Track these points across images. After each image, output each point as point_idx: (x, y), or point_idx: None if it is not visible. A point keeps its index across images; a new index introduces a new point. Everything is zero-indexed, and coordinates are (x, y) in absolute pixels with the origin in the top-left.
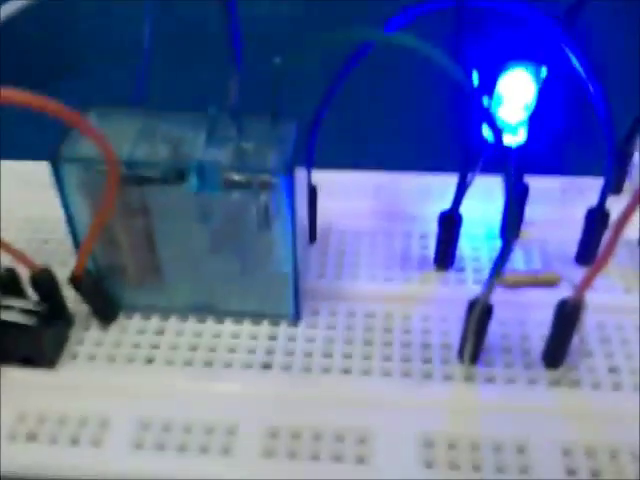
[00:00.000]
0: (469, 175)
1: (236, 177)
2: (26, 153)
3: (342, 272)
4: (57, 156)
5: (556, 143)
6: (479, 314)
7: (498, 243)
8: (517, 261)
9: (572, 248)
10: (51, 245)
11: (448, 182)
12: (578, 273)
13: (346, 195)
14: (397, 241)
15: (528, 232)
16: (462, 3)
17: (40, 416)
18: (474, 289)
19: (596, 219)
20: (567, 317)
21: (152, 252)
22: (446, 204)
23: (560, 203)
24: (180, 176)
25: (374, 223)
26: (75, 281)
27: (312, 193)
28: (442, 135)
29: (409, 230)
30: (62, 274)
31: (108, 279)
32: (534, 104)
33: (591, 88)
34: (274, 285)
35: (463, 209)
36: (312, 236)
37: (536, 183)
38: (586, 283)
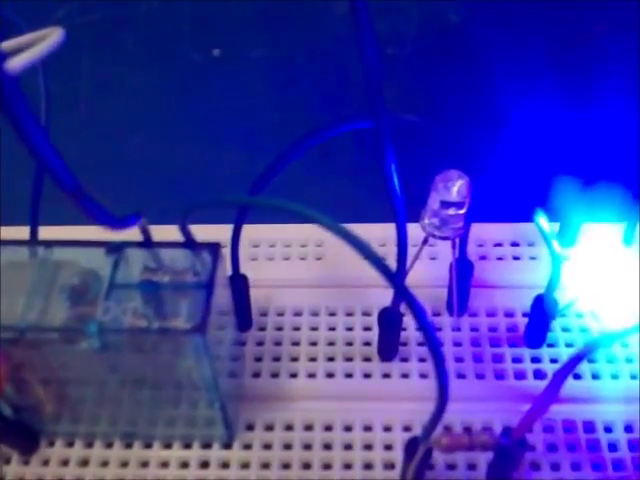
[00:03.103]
0: None
1: (142, 338)
2: None
3: (280, 368)
4: None
5: None
6: (419, 459)
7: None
8: (464, 343)
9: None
10: None
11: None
12: (527, 354)
13: (286, 255)
14: (339, 320)
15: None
16: None
17: None
18: (419, 384)
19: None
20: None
21: (66, 394)
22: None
23: None
24: (81, 336)
25: (315, 295)
26: None
27: (244, 281)
28: None
29: (352, 304)
30: None
31: (24, 414)
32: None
33: None
34: (202, 413)
35: None
36: (247, 323)
37: None
38: (524, 425)
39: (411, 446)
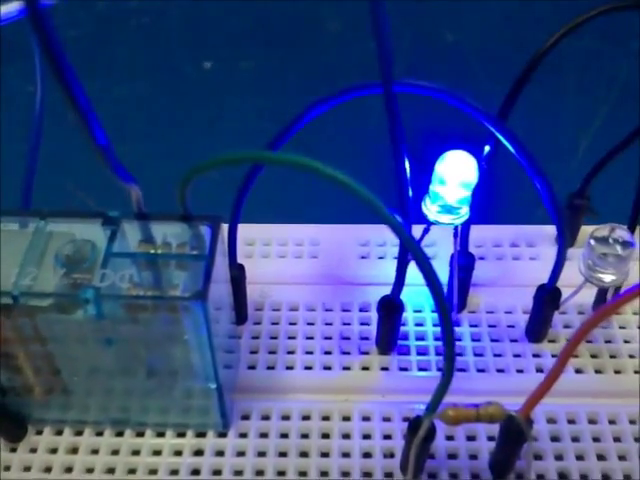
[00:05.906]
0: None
1: (140, 304)
2: None
3: (276, 360)
4: None
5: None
6: (422, 438)
7: None
8: (464, 338)
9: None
10: None
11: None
12: (528, 349)
13: (281, 254)
14: (336, 315)
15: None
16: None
17: None
18: (418, 377)
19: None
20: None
21: (56, 374)
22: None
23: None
24: (75, 305)
25: (311, 291)
26: None
27: (239, 272)
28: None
29: (349, 300)
30: None
31: (11, 396)
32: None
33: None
34: (197, 398)
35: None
36: (242, 317)
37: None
38: (532, 402)
39: (414, 426)
